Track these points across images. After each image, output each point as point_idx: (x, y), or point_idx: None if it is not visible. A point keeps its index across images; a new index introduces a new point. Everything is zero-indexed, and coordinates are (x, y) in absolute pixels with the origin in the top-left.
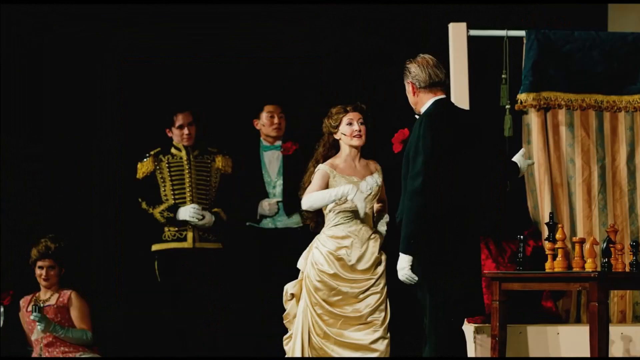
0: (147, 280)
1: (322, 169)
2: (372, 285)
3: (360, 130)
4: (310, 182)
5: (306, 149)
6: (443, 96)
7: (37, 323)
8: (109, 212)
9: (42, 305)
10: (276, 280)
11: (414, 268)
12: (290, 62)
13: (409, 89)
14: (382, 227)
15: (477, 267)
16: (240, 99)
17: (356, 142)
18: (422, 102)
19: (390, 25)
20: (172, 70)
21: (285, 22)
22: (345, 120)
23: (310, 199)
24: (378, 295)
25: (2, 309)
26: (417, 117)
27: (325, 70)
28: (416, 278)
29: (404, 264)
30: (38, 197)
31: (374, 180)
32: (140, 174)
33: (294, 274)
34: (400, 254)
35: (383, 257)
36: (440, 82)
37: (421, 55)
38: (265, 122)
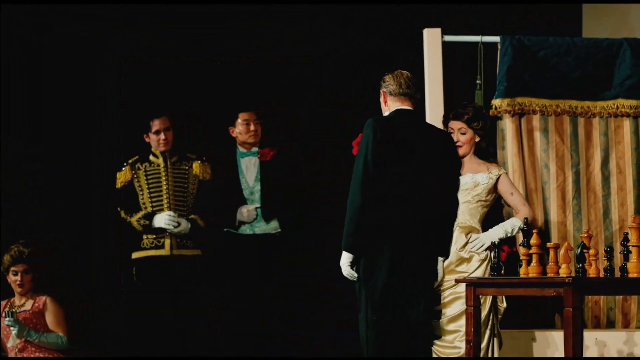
0: (147, 281)
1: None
2: None
3: None
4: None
5: (306, 149)
6: (408, 107)
7: (11, 328)
8: (109, 212)
9: (16, 310)
10: (276, 280)
11: (354, 265)
12: (290, 62)
13: (381, 98)
14: None
15: (420, 274)
16: (217, 105)
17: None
18: (389, 110)
19: (390, 25)
20: (172, 70)
21: (285, 22)
22: None
23: None
24: None
25: None
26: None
27: (325, 70)
28: (356, 275)
29: (343, 261)
30: (38, 197)
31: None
32: (118, 184)
33: (293, 273)
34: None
35: None
36: (408, 94)
37: (399, 70)
38: (241, 129)
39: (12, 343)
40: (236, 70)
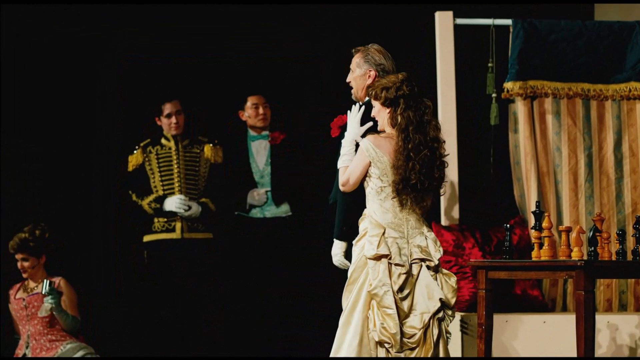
0: (147, 281)
1: None
2: None
3: None
4: None
5: (306, 149)
6: None
7: (49, 297)
8: (109, 212)
9: (52, 281)
10: (276, 280)
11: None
12: (290, 62)
13: (367, 74)
14: None
15: None
16: (226, 92)
17: None
18: None
19: (390, 25)
20: (172, 70)
21: (285, 22)
22: None
23: None
24: None
25: None
26: (357, 104)
27: (325, 70)
28: (348, 264)
29: (337, 250)
30: (38, 197)
31: None
32: (130, 167)
33: (293, 273)
34: (334, 239)
35: None
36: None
37: (375, 44)
38: (250, 113)
39: (43, 314)
40: (236, 70)
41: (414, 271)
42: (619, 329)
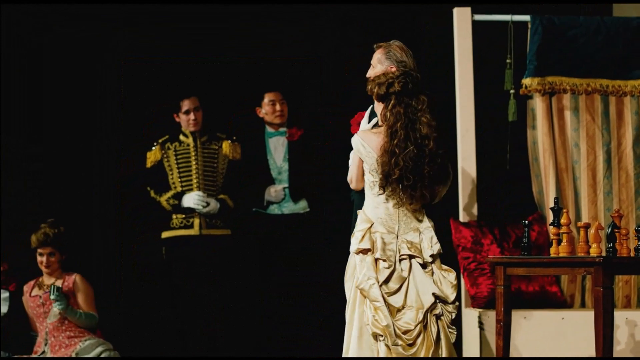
0: (146, 281)
1: None
2: None
3: None
4: None
5: (258, 153)
6: None
7: (56, 303)
8: (109, 212)
9: (61, 286)
10: (276, 280)
11: None
12: (290, 62)
13: (388, 71)
14: None
15: None
16: (242, 90)
17: None
18: None
19: (390, 25)
20: (173, 69)
21: (285, 22)
22: None
23: None
24: None
25: (7, 295)
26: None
27: (325, 70)
28: None
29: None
30: (38, 197)
31: None
32: (148, 163)
33: (293, 273)
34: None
35: None
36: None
37: (397, 41)
38: (267, 110)
39: (52, 319)
40: (236, 70)
41: (403, 267)
42: (637, 325)
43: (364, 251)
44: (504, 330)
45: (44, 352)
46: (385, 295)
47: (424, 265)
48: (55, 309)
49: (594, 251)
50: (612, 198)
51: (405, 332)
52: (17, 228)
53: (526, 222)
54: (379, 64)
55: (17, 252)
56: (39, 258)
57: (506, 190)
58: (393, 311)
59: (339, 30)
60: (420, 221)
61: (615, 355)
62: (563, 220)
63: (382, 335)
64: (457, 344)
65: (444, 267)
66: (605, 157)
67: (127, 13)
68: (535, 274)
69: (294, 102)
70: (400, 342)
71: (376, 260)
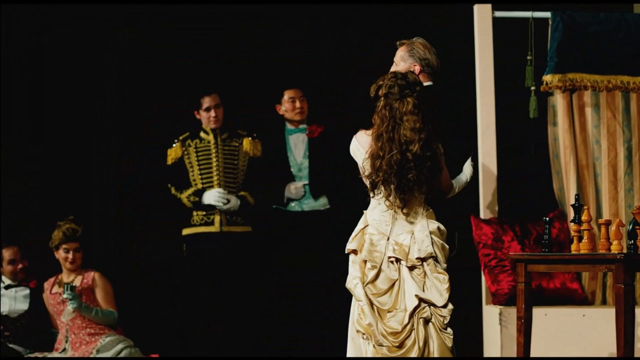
0: (147, 281)
1: None
2: None
3: None
4: None
5: (278, 150)
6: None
7: (69, 302)
8: (109, 212)
9: (75, 284)
10: (276, 280)
11: None
12: (290, 62)
13: (411, 68)
14: None
15: None
16: (262, 86)
17: None
18: None
19: (390, 25)
20: (173, 69)
21: (285, 22)
22: None
23: None
24: None
25: (28, 292)
26: None
27: (325, 70)
28: None
29: None
30: (38, 197)
31: None
32: (169, 160)
33: (293, 273)
34: None
35: None
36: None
37: (420, 38)
38: (287, 107)
39: (66, 317)
40: (236, 70)
41: (392, 269)
42: None
43: (354, 252)
44: (525, 327)
45: (64, 349)
46: (372, 296)
47: (412, 268)
48: (69, 307)
49: (615, 248)
50: (633, 195)
51: (392, 334)
52: (17, 228)
53: (547, 219)
54: (402, 62)
55: (36, 249)
56: (63, 254)
57: (527, 187)
58: (382, 312)
59: (339, 30)
60: (415, 222)
61: (636, 352)
62: (584, 217)
63: (364, 335)
64: (478, 341)
65: (439, 270)
66: (626, 153)
67: (127, 13)
68: (556, 271)
69: (313, 100)
70: (386, 343)
71: (365, 261)
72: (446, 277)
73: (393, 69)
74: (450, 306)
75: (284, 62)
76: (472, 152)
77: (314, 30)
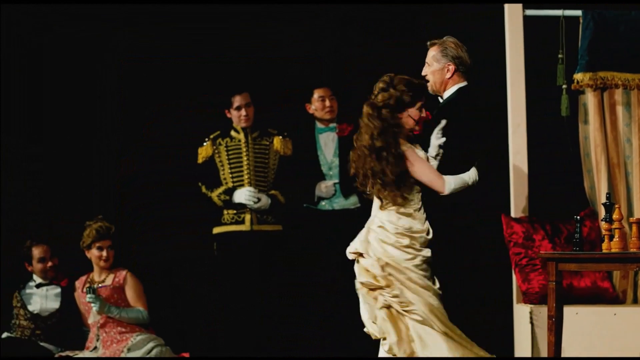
0: (148, 281)
1: None
2: None
3: None
4: None
5: (308, 149)
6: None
7: (92, 305)
8: (109, 212)
9: (96, 286)
10: (276, 280)
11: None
12: (290, 62)
13: (445, 68)
14: None
15: None
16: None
17: None
18: (449, 86)
19: (390, 25)
20: (173, 69)
21: (285, 22)
22: None
23: None
24: None
25: (59, 290)
26: (440, 99)
27: (325, 70)
28: None
29: None
30: (38, 197)
31: None
32: (199, 159)
33: (293, 273)
34: None
35: None
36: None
37: (451, 37)
38: (317, 106)
39: (92, 319)
40: (236, 69)
41: None
42: None
43: None
44: (556, 326)
45: (95, 347)
46: None
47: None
48: (93, 309)
49: None
50: None
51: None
52: (17, 228)
53: (578, 217)
54: (435, 62)
55: (66, 249)
56: (96, 252)
57: (558, 186)
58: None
59: (339, 30)
60: (375, 220)
61: None
62: (615, 216)
63: None
64: (509, 340)
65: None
66: None
67: (127, 13)
68: (587, 270)
69: (293, 103)
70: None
71: None
72: (363, 259)
73: (426, 70)
74: (381, 286)
75: (284, 62)
76: (483, 155)
77: (314, 30)
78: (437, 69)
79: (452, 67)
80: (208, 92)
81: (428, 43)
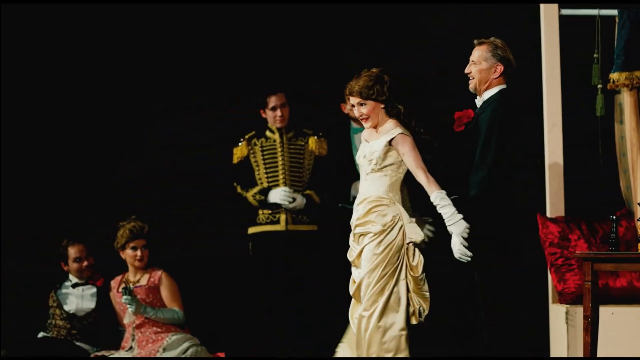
0: (183, 281)
1: None
2: None
3: None
4: None
5: (343, 149)
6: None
7: (128, 305)
8: (109, 212)
9: (132, 287)
10: (310, 280)
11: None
12: (290, 62)
13: (493, 68)
14: None
15: None
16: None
17: None
18: (492, 86)
19: (390, 25)
20: (173, 69)
21: (286, 22)
22: None
23: None
24: None
25: (95, 290)
26: (479, 99)
27: (325, 70)
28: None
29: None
30: (38, 197)
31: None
32: (235, 159)
33: (329, 274)
34: None
35: None
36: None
37: (498, 39)
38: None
39: (128, 319)
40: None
41: None
42: None
43: None
44: (592, 327)
45: (131, 347)
46: None
47: None
48: (129, 310)
49: None
50: None
51: None
52: (17, 228)
53: (614, 217)
54: (484, 61)
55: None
56: (131, 252)
57: (593, 186)
58: None
59: (339, 30)
60: None
61: None
62: None
63: None
64: (544, 341)
65: None
66: None
67: (127, 13)
68: (623, 270)
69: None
70: None
71: None
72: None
73: (469, 68)
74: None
75: (284, 62)
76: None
77: (314, 30)
78: (485, 67)
79: (500, 68)
80: (243, 91)
81: (475, 41)
